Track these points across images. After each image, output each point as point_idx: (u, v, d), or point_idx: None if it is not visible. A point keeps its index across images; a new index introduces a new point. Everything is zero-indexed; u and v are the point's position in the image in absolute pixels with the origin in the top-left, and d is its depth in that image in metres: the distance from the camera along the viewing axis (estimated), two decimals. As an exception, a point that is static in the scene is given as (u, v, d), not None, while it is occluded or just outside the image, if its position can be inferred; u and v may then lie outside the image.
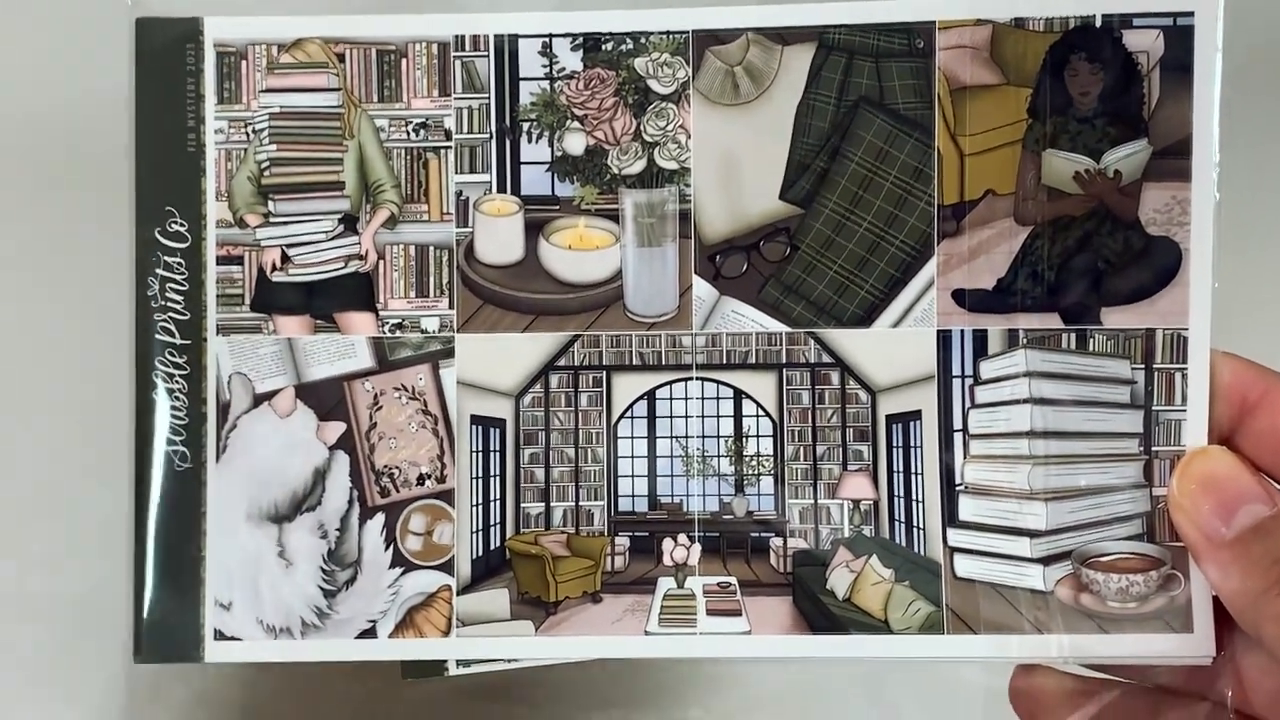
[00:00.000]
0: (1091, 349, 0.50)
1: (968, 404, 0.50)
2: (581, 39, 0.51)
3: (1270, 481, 0.47)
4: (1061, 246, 0.50)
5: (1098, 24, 0.49)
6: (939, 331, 0.50)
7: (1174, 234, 0.49)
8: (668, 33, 0.50)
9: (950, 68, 0.50)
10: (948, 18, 0.49)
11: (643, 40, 0.51)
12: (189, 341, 0.51)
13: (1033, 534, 0.50)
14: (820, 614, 0.50)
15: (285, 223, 0.51)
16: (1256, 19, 0.49)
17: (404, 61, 0.51)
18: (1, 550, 0.63)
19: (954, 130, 0.50)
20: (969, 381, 0.50)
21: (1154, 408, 0.49)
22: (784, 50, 0.50)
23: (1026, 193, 0.50)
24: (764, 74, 0.50)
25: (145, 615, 0.51)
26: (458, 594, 0.51)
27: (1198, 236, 0.49)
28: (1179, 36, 0.48)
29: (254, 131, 0.51)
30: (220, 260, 0.51)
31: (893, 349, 0.50)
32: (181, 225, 0.51)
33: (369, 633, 0.51)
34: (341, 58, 0.51)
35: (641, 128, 0.51)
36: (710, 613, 0.51)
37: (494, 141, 0.51)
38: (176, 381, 0.51)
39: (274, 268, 0.51)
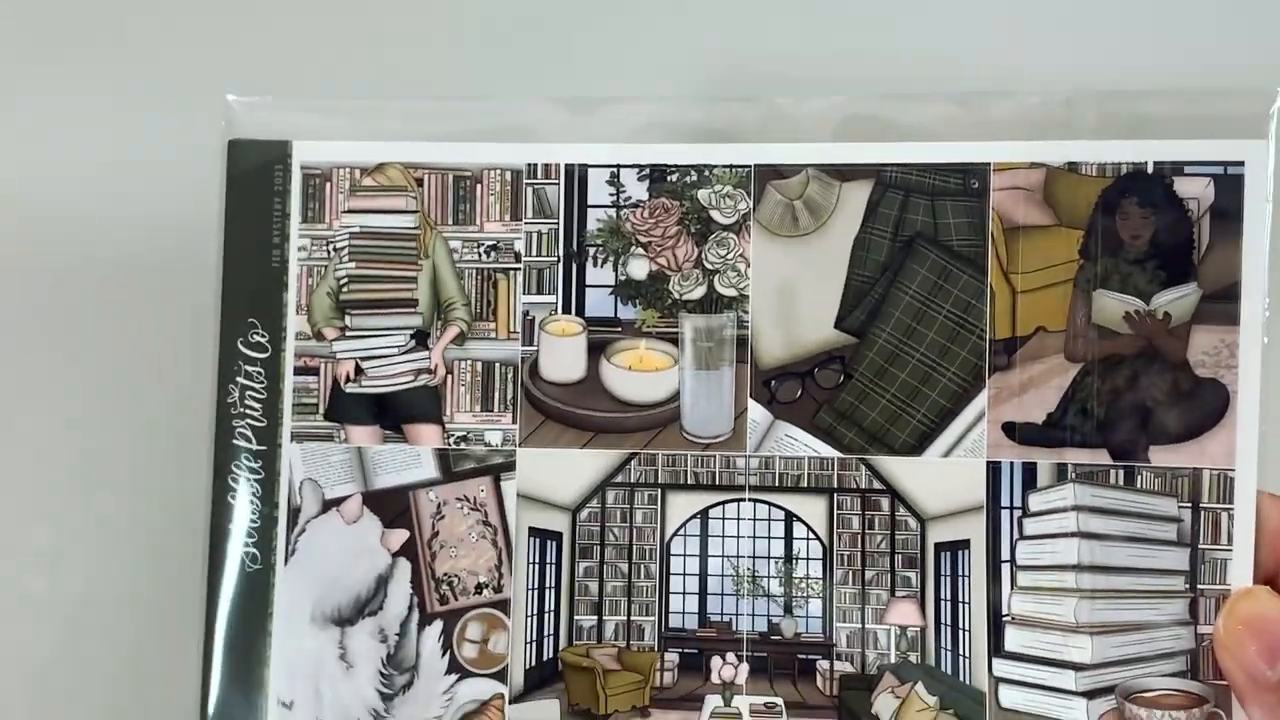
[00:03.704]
0: (1139, 486, 0.50)
1: (1016, 535, 0.51)
2: (648, 170, 0.53)
3: (1315, 625, 0.48)
4: (1111, 384, 0.51)
5: (1149, 171, 0.50)
6: (989, 463, 0.51)
7: (1222, 376, 0.50)
8: (730, 166, 0.53)
9: (1004, 208, 0.51)
10: (1002, 160, 0.51)
11: (706, 173, 0.53)
12: (264, 447, 0.54)
13: (1078, 667, 0.50)
14: (864, 738, 0.51)
15: (360, 336, 0.54)
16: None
17: (479, 187, 0.54)
18: (83, 658, 0.65)
19: (1006, 268, 0.51)
20: (1018, 513, 0.51)
21: (1200, 546, 0.50)
22: (842, 186, 0.52)
23: (1077, 331, 0.51)
24: (822, 208, 0.52)
25: (210, 711, 0.53)
26: (510, 702, 0.52)
27: (1245, 380, 0.49)
28: (1229, 185, 0.50)
29: (334, 249, 0.54)
30: (298, 371, 0.54)
31: (943, 478, 0.52)
32: (263, 336, 0.54)
33: (423, 737, 0.52)
34: (420, 182, 0.54)
35: (703, 256, 0.53)
36: (756, 731, 0.52)
37: (561, 265, 0.54)
38: (251, 485, 0.53)
39: (348, 379, 0.54)
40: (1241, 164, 0.50)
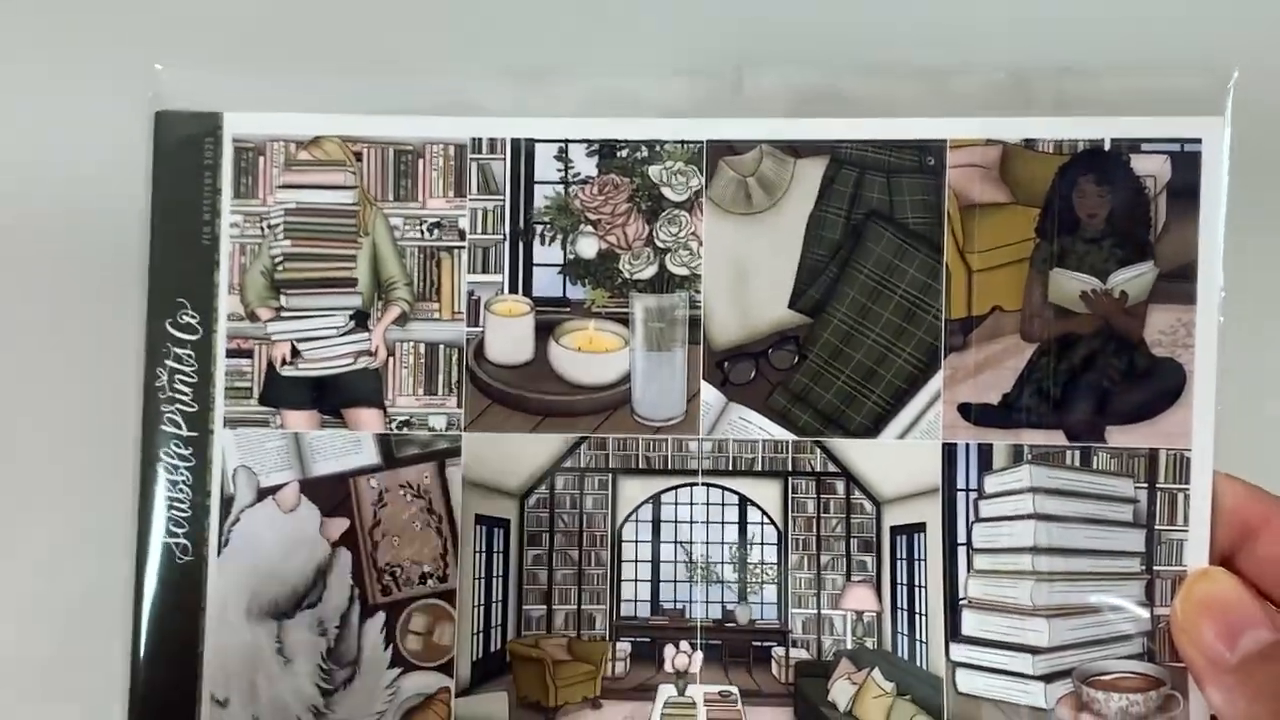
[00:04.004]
0: (1095, 467, 0.50)
1: (972, 518, 0.50)
2: (597, 145, 0.51)
3: (1272, 606, 0.48)
4: (1067, 364, 0.50)
5: (1107, 148, 0.50)
6: (944, 444, 0.50)
7: (1178, 356, 0.49)
8: (682, 142, 0.51)
9: (960, 185, 0.50)
10: (959, 137, 0.50)
11: (657, 148, 0.51)
12: (195, 433, 0.51)
13: (1034, 650, 0.50)
14: (821, 726, 0.50)
15: (297, 317, 0.52)
16: (1262, 146, 0.50)
17: (420, 162, 0.52)
18: (83, 657, 0.62)
19: (963, 246, 0.50)
20: (973, 495, 0.50)
21: (1156, 527, 0.50)
22: (797, 163, 0.51)
23: (1033, 310, 0.50)
24: (776, 185, 0.51)
25: (141, 708, 0.50)
26: (456, 696, 0.51)
27: (1202, 359, 0.49)
28: (1186, 163, 0.49)
29: (269, 226, 0.52)
30: (230, 353, 0.51)
31: (898, 460, 0.51)
32: (193, 317, 0.51)
33: (366, 733, 0.50)
34: (359, 156, 0.52)
35: (654, 234, 0.51)
36: (710, 721, 0.50)
37: (507, 243, 0.52)
38: (181, 473, 0.51)
39: (284, 362, 0.51)
40: (1199, 141, 0.49)
